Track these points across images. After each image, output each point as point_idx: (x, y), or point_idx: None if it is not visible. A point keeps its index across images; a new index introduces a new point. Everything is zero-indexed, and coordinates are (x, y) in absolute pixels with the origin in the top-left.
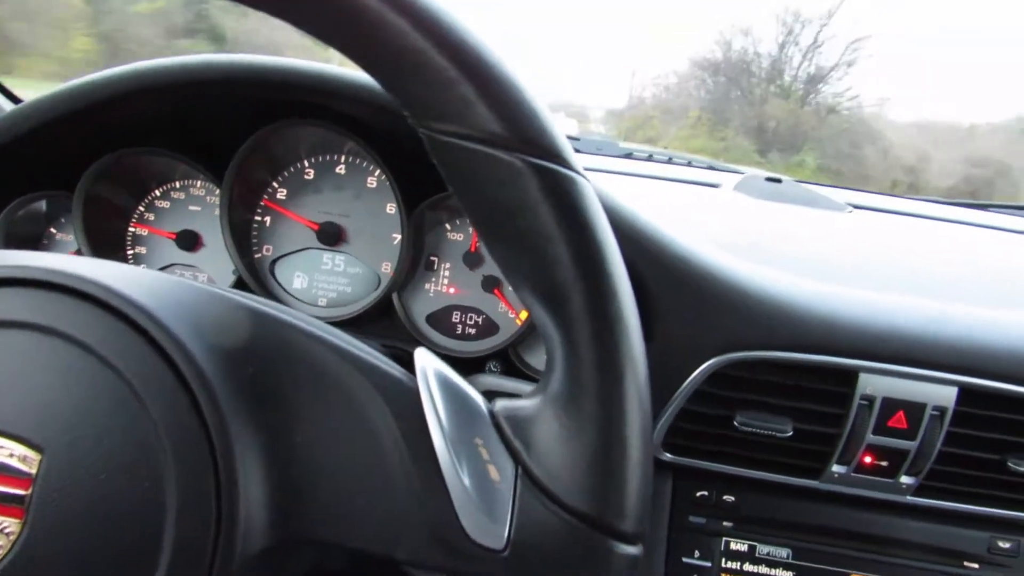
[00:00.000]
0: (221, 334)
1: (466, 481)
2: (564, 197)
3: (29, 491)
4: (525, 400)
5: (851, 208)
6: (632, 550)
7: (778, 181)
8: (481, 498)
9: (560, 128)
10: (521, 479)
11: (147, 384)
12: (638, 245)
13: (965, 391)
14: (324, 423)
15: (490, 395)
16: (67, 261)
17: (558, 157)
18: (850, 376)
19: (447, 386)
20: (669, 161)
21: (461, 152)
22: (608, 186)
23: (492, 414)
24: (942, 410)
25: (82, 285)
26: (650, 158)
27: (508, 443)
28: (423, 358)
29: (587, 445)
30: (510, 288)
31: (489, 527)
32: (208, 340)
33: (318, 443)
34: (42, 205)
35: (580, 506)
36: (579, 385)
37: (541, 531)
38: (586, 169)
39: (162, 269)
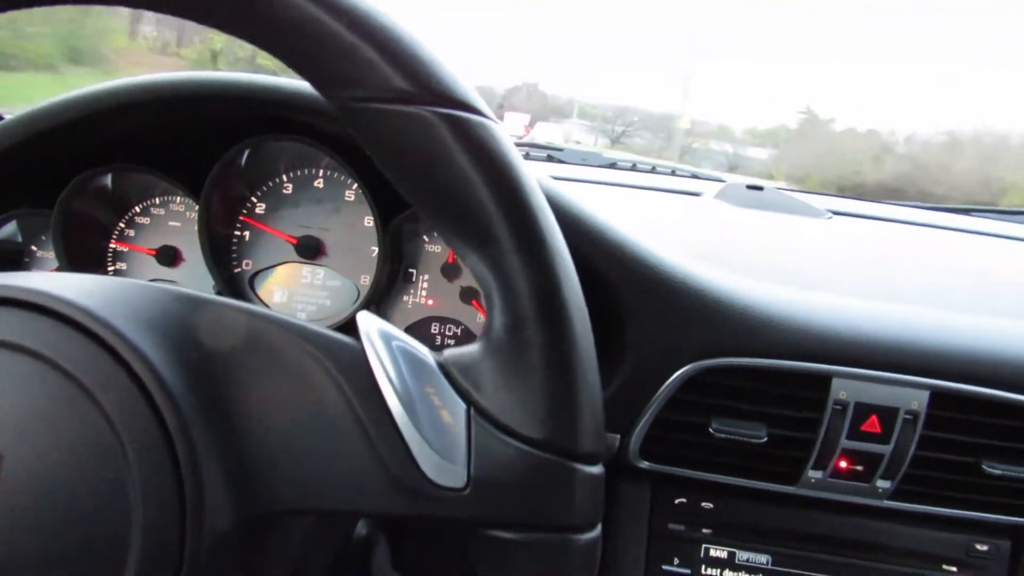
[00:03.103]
0: (161, 323)
1: (421, 429)
2: (476, 141)
3: None
4: (471, 346)
5: (831, 214)
6: (592, 470)
7: (759, 189)
8: (438, 442)
9: (461, 75)
10: (474, 418)
11: (94, 379)
12: (611, 255)
13: (936, 395)
14: (275, 395)
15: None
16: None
17: (465, 104)
18: (823, 381)
19: (393, 343)
20: (653, 170)
21: (373, 115)
22: (590, 196)
23: (440, 363)
24: (914, 414)
25: (17, 293)
26: (634, 167)
27: (458, 386)
28: (365, 320)
29: (533, 373)
30: None
31: (448, 468)
32: (151, 331)
33: (272, 415)
34: (23, 223)
35: (534, 434)
36: (518, 318)
37: (499, 464)
38: (570, 180)
39: None
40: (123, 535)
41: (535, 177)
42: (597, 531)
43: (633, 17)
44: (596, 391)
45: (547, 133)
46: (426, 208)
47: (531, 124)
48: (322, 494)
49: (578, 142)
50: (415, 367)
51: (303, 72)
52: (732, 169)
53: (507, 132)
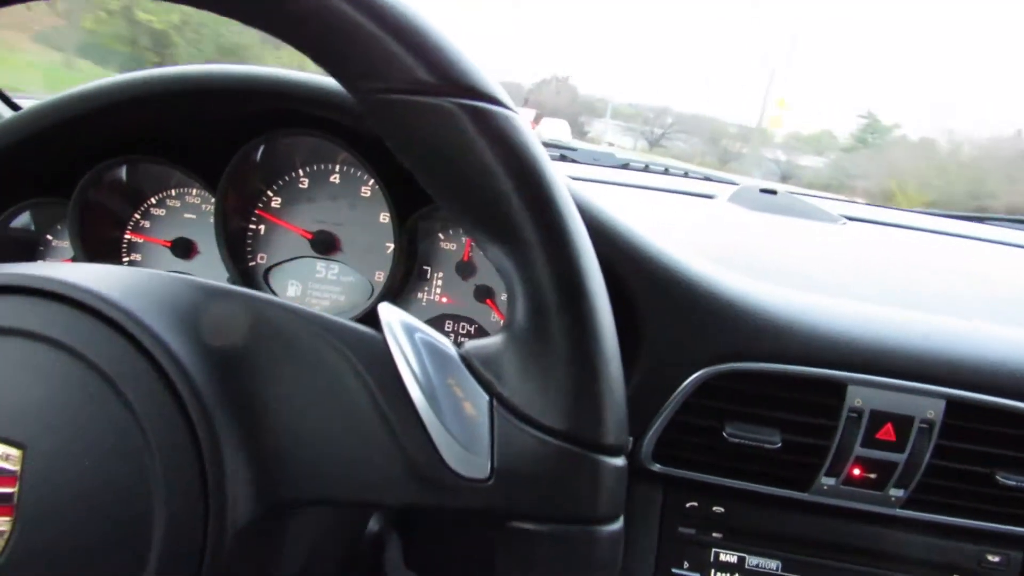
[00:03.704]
0: (184, 314)
1: (444, 420)
2: (498, 133)
3: (16, 488)
4: (493, 337)
5: (845, 220)
6: (616, 461)
7: (772, 193)
8: (461, 434)
9: (483, 67)
10: (497, 409)
11: (118, 370)
12: (628, 256)
13: (952, 404)
14: (297, 386)
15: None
16: (22, 266)
17: (486, 95)
18: (839, 388)
19: (415, 335)
20: (666, 172)
21: (395, 107)
22: (603, 197)
23: (462, 355)
24: (930, 423)
25: (41, 283)
26: (647, 168)
27: (480, 377)
28: (387, 312)
29: (556, 364)
30: (503, 297)
31: (471, 459)
32: (173, 321)
33: (294, 406)
34: (39, 212)
35: (557, 425)
36: (541, 309)
37: (522, 455)
38: (583, 180)
39: None
40: (146, 525)
41: (557, 170)
42: (620, 523)
43: (679, 14)
44: (619, 383)
45: (554, 129)
46: (447, 201)
47: (537, 120)
48: (344, 485)
49: (611, 143)
50: (438, 359)
51: (325, 64)
52: (785, 179)
53: (529, 124)
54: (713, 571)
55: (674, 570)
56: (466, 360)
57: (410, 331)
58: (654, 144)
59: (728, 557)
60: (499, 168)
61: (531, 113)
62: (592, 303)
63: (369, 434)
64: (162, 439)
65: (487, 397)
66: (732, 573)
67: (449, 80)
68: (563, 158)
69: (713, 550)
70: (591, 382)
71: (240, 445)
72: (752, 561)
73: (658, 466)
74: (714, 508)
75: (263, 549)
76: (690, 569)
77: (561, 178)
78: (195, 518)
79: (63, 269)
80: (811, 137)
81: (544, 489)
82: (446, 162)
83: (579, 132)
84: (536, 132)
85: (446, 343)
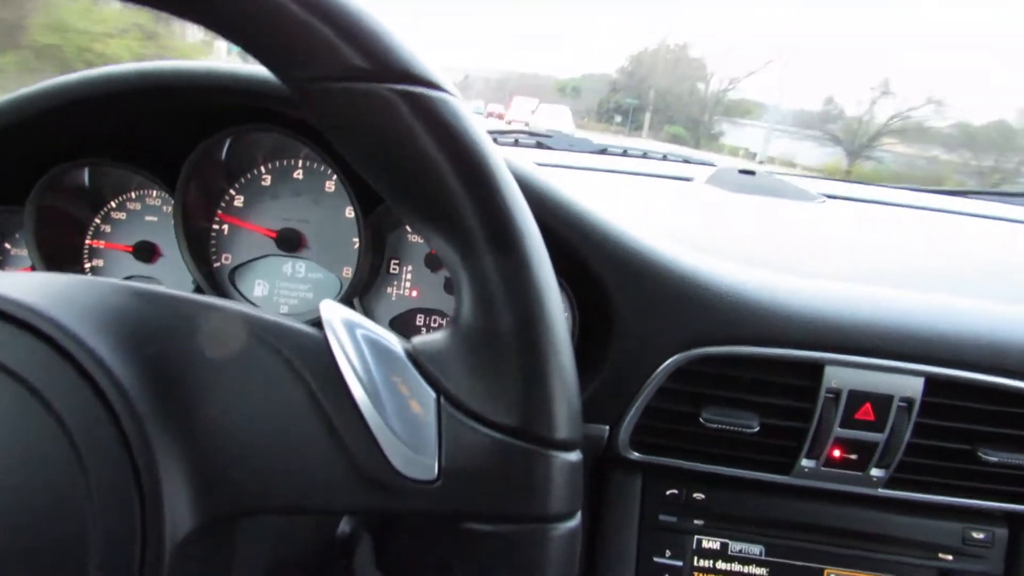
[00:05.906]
0: (113, 320)
1: (389, 420)
2: (437, 118)
3: None
4: (439, 332)
5: (824, 198)
6: (570, 456)
7: (751, 173)
8: (406, 433)
9: (421, 51)
10: (444, 407)
11: (45, 381)
12: (597, 243)
13: (932, 381)
14: (234, 391)
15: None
16: None
17: (422, 79)
18: (815, 369)
19: (357, 332)
20: (644, 156)
21: (331, 95)
22: (579, 183)
23: (408, 352)
24: (909, 401)
25: None
26: (625, 153)
27: (426, 374)
28: (328, 309)
29: (504, 358)
30: None
31: (418, 460)
32: (101, 327)
33: (231, 412)
34: None
35: (507, 421)
36: (487, 300)
37: (471, 453)
38: (560, 167)
39: None
40: (80, 543)
41: (502, 154)
42: (576, 520)
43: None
44: (571, 374)
45: (553, 117)
46: (389, 191)
47: (536, 107)
48: (287, 493)
49: (757, 158)
50: (381, 356)
51: (256, 54)
52: None
53: (469, 107)
54: (696, 558)
55: (656, 559)
56: (412, 356)
57: (352, 328)
58: (855, 156)
59: (711, 543)
60: (437, 153)
61: (533, 102)
62: (540, 293)
63: (311, 438)
64: (93, 452)
65: (434, 394)
66: (715, 559)
67: (384, 65)
68: (540, 145)
69: (695, 537)
70: (541, 375)
71: (176, 455)
72: (735, 547)
73: (636, 454)
74: (695, 495)
75: (210, 562)
76: (672, 557)
77: (504, 162)
78: (132, 534)
79: None
80: (982, 128)
81: (495, 488)
82: (384, 150)
83: (707, 135)
84: (534, 120)
85: (391, 339)
